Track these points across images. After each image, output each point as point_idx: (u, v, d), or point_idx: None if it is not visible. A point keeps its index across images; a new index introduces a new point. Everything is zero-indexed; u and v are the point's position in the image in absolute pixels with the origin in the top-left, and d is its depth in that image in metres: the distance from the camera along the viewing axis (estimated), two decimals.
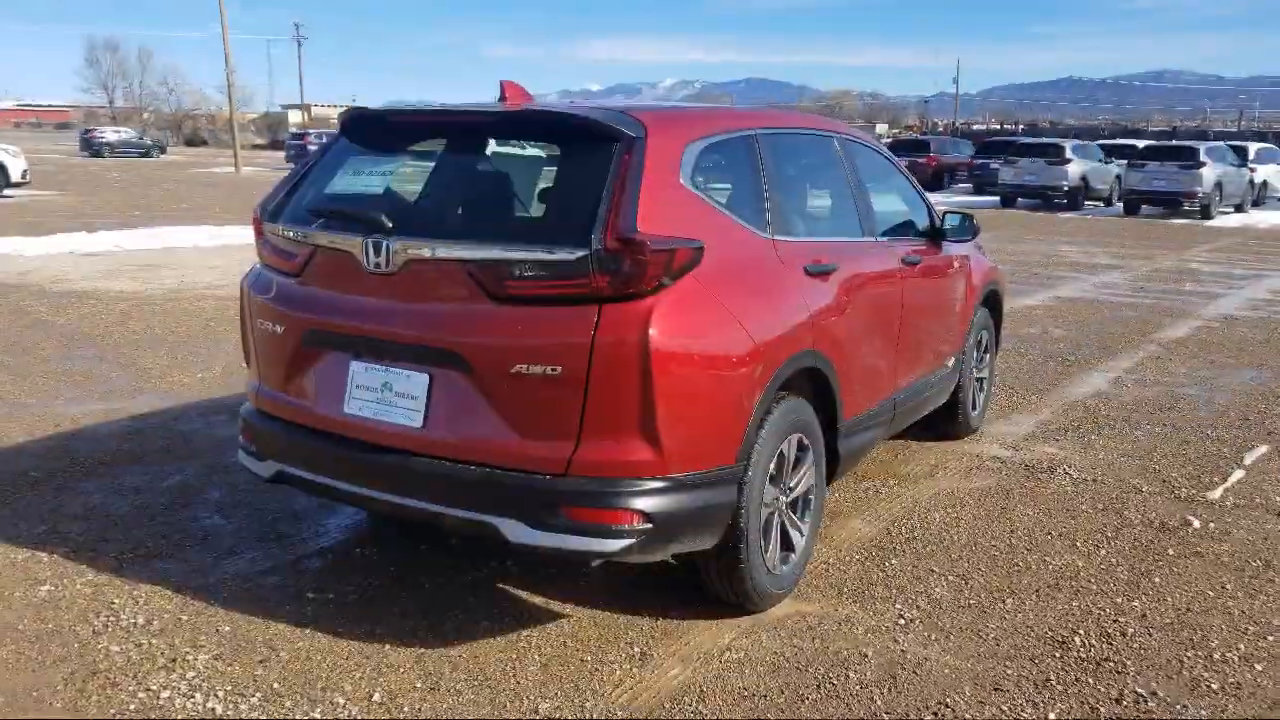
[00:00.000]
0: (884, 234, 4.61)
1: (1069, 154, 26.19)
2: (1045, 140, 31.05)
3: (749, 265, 3.48)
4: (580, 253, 2.96)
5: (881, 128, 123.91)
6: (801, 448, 3.67)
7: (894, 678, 3.28)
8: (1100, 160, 27.61)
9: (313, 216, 3.49)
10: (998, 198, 27.60)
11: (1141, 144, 30.42)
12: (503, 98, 3.77)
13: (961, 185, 34.74)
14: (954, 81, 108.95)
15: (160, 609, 3.60)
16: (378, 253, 3.21)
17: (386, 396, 3.28)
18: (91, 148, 55.24)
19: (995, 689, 3.21)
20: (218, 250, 14.11)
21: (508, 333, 3.03)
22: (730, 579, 3.50)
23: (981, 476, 5.29)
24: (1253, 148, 29.25)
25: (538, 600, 3.74)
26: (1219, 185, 24.53)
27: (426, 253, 3.15)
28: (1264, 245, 18.68)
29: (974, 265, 5.64)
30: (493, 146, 3.67)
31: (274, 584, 3.83)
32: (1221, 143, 28.04)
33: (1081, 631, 3.61)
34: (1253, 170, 27.34)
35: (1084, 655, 3.45)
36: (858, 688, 3.22)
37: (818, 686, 3.22)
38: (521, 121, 3.47)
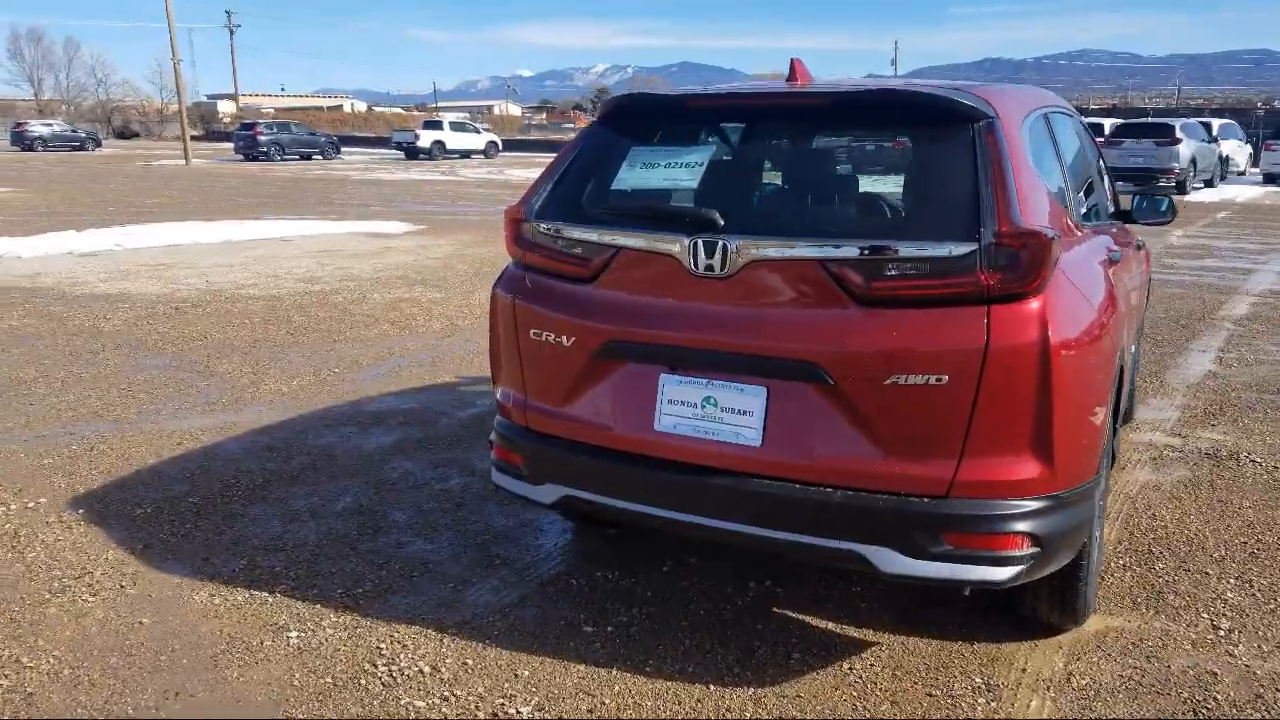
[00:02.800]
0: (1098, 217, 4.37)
1: None
2: None
3: (1082, 257, 3.20)
4: (967, 247, 2.66)
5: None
6: None
7: (1259, 696, 3.04)
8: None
9: (610, 215, 3.14)
10: None
11: (1107, 123, 30.68)
12: (791, 77, 3.43)
13: None
14: (891, 64, 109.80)
15: (436, 653, 3.24)
16: (710, 254, 2.87)
17: (710, 413, 2.95)
18: (23, 142, 53.26)
19: None
20: (222, 248, 13.50)
21: (881, 340, 2.72)
22: (1064, 598, 3.24)
23: (1171, 468, 5.09)
24: (1215, 124, 29.71)
25: (829, 625, 3.47)
26: (1193, 161, 24.88)
27: (773, 252, 2.82)
28: (1254, 219, 18.88)
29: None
30: (800, 130, 3.32)
31: (536, 617, 3.49)
32: (1194, 119, 28.41)
33: None
34: (1218, 146, 27.78)
35: None
36: (1232, 711, 2.97)
37: (1193, 712, 2.96)
38: (861, 103, 3.13)
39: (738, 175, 3.32)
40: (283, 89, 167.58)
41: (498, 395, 3.52)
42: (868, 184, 3.29)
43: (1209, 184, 26.48)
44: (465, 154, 46.79)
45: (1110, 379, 3.06)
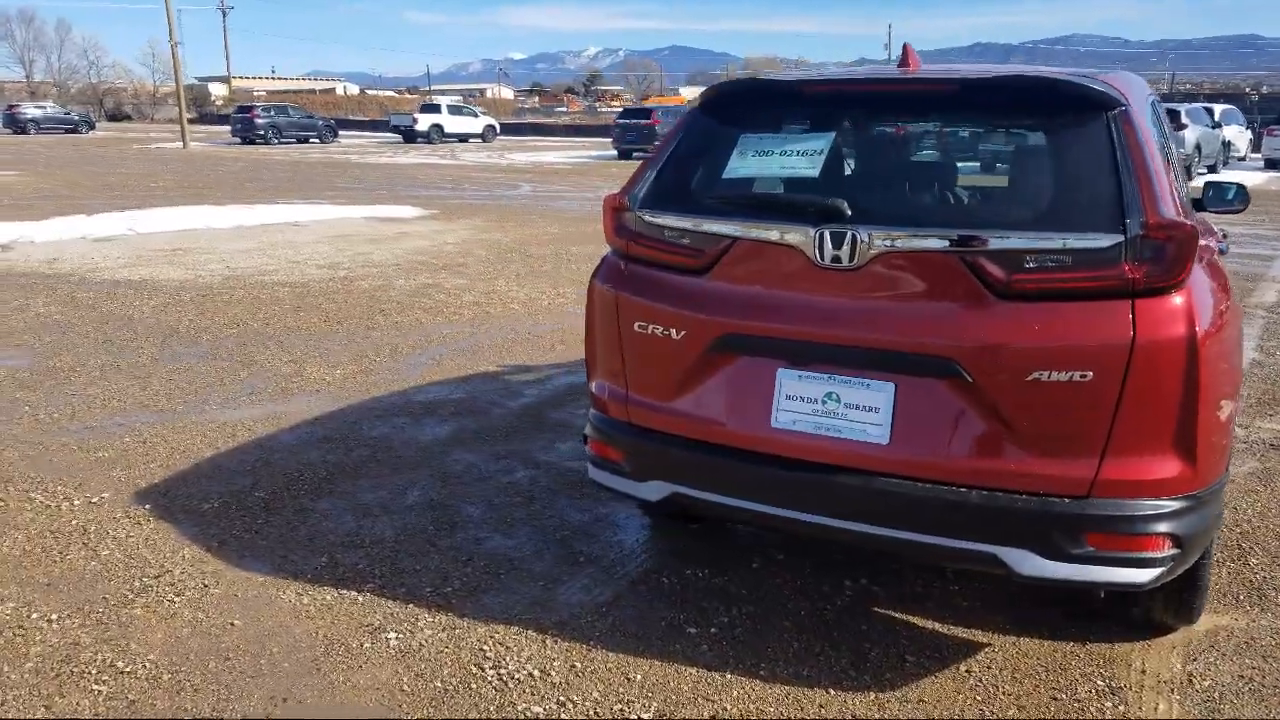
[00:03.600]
0: None
1: None
2: None
3: (1205, 249, 3.11)
4: (1111, 239, 2.57)
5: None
6: None
7: None
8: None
9: (725, 204, 3.04)
10: None
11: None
12: (904, 63, 3.33)
13: None
14: (885, 48, 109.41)
15: (542, 655, 3.16)
16: (838, 245, 2.78)
17: (832, 409, 2.86)
18: (16, 124, 52.78)
19: None
20: (236, 233, 13.35)
21: (1023, 335, 2.63)
22: (1181, 598, 3.17)
23: (1239, 460, 5.04)
24: (1217, 109, 29.66)
25: (935, 626, 3.40)
26: (1198, 146, 24.81)
27: (908, 244, 2.72)
28: (1263, 204, 18.82)
29: None
30: (925, 117, 3.22)
31: (635, 617, 3.40)
32: (1199, 105, 28.34)
33: None
34: (1221, 131, 27.73)
35: None
36: None
37: None
38: (990, 89, 3.02)
39: (860, 163, 3.22)
40: (273, 71, 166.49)
41: (592, 388, 3.42)
42: (997, 172, 3.19)
43: (1212, 169, 26.44)
44: (463, 138, 46.48)
45: (1240, 373, 2.98)
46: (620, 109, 48.50)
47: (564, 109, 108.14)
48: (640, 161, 3.39)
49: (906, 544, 2.83)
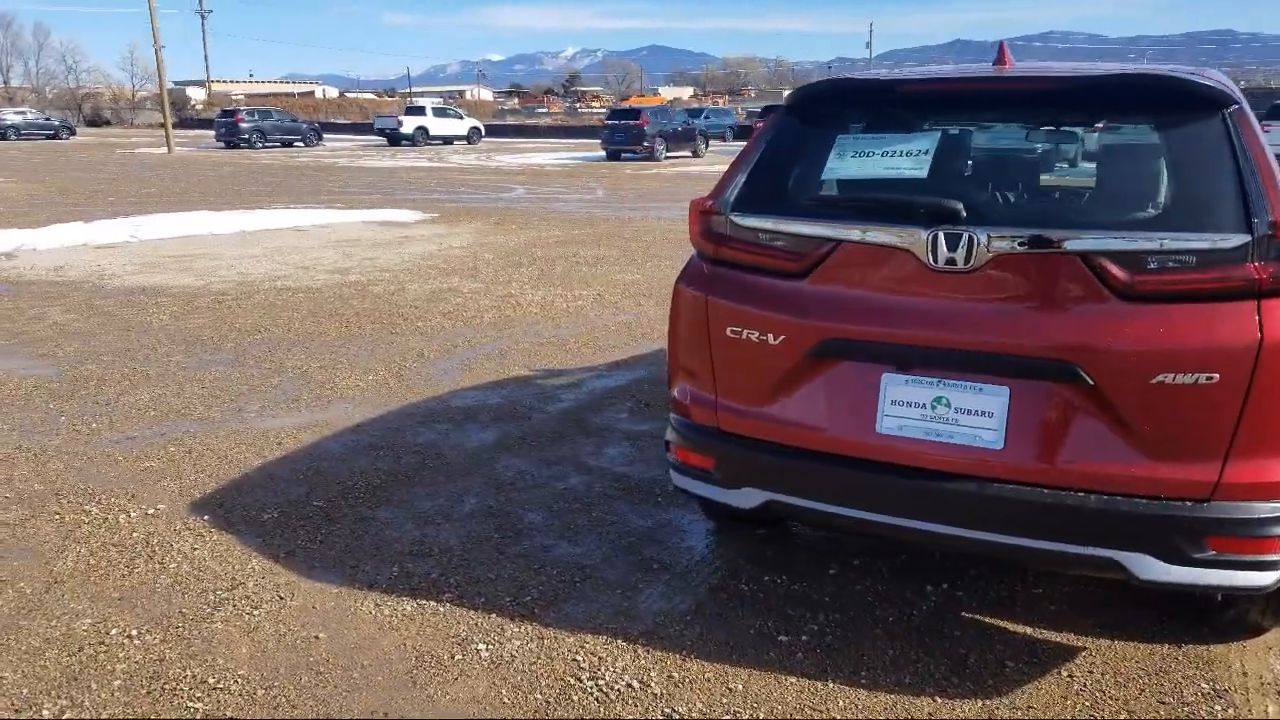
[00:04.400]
0: None
1: None
2: None
3: None
4: (1238, 239, 2.55)
5: (787, 93, 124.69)
6: None
7: None
8: None
9: (826, 207, 3.00)
10: None
11: None
12: (999, 61, 3.30)
13: None
14: (867, 46, 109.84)
15: (637, 665, 3.11)
16: (953, 247, 2.74)
17: (942, 414, 2.83)
18: None
19: None
20: (239, 239, 13.24)
21: (1147, 337, 2.60)
22: (1278, 599, 3.14)
23: None
24: None
25: (1026, 630, 3.37)
26: None
27: (1027, 246, 2.69)
28: None
29: None
30: (1032, 116, 3.19)
31: (723, 625, 3.38)
32: None
33: None
34: None
35: None
36: None
37: None
38: (1100, 87, 2.99)
39: (968, 164, 3.19)
40: (251, 75, 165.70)
41: (674, 393, 3.38)
42: (1111, 172, 3.16)
43: None
44: (448, 140, 46.32)
45: None
46: (607, 110, 48.42)
47: (545, 110, 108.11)
48: (723, 169, 3.33)
49: (1022, 550, 2.80)
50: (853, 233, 2.91)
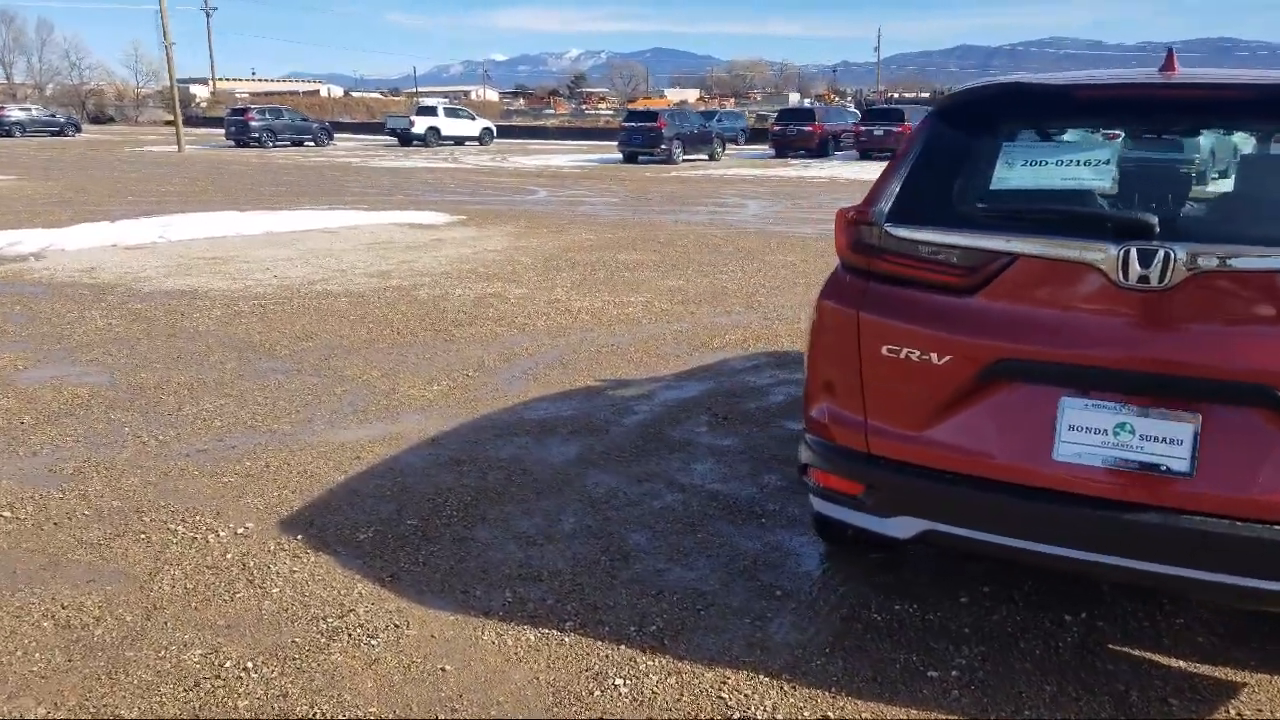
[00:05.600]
0: None
1: None
2: None
3: None
4: None
5: (794, 96, 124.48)
6: None
7: None
8: None
9: (999, 219, 2.83)
10: None
11: None
12: (1167, 68, 3.13)
13: None
14: (874, 50, 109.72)
15: (788, 703, 2.96)
16: (1146, 264, 2.57)
17: (1125, 441, 2.66)
18: (1, 127, 52.10)
19: None
20: (268, 240, 13.07)
21: None
22: None
23: None
24: None
25: (1181, 664, 3.20)
26: None
27: (1238, 263, 2.51)
28: None
29: None
30: (1220, 125, 3.02)
31: (865, 659, 3.22)
32: None
33: None
34: None
35: None
36: None
37: None
38: None
39: (1154, 175, 3.01)
40: (253, 73, 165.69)
41: (812, 413, 3.21)
42: None
43: None
44: (459, 140, 46.15)
45: None
46: (614, 111, 48.22)
47: (551, 111, 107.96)
48: (879, 175, 3.16)
49: (1214, 586, 2.63)
50: (1033, 247, 2.74)
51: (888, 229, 2.98)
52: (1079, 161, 2.80)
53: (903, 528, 2.99)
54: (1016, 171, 2.89)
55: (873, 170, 28.45)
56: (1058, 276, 2.72)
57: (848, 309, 3.05)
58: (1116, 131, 3.15)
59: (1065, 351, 2.71)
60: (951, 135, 3.06)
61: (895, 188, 3.02)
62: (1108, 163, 2.78)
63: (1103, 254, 2.63)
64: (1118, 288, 2.63)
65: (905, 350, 2.91)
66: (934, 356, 2.86)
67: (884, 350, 2.96)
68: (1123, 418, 2.67)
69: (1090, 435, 2.71)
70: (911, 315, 2.92)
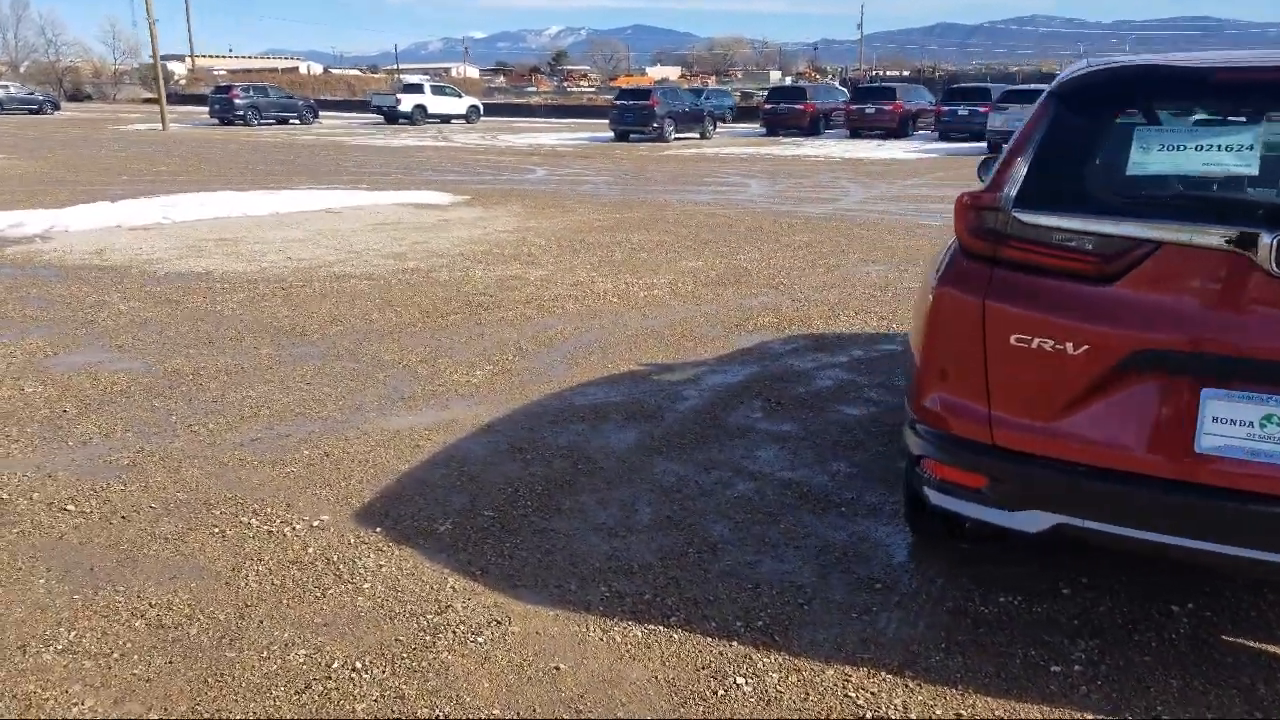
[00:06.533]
0: None
1: None
2: (1035, 87, 31.03)
3: None
4: None
5: (775, 74, 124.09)
6: None
7: None
8: None
9: (1139, 205, 2.75)
10: (984, 144, 27.44)
11: None
12: None
13: (921, 133, 34.67)
14: (858, 27, 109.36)
15: (916, 701, 2.92)
16: None
17: (1273, 432, 2.59)
18: None
19: None
20: (275, 221, 12.90)
21: None
22: None
23: None
24: None
25: None
26: None
27: None
28: None
29: None
30: None
31: (984, 654, 3.15)
32: None
33: None
34: None
35: None
36: None
37: None
38: None
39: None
40: (230, 50, 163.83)
41: (925, 403, 3.13)
42: None
43: None
44: (445, 118, 45.74)
45: None
46: (596, 89, 47.84)
47: (534, 89, 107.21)
48: (997, 158, 3.07)
49: None
50: (1178, 234, 2.66)
51: (1016, 214, 2.89)
52: (1220, 146, 2.72)
53: (1031, 522, 2.91)
54: (1154, 156, 2.81)
55: (866, 148, 28.40)
56: (1202, 264, 2.64)
57: (971, 297, 2.97)
58: (1255, 114, 3.07)
59: (1211, 342, 2.64)
60: (1079, 117, 2.97)
61: (1021, 172, 2.93)
62: (1250, 147, 2.70)
63: (1255, 242, 2.55)
64: (1270, 276, 2.55)
65: (1037, 340, 2.84)
66: (1069, 347, 2.79)
67: (1013, 340, 2.88)
68: (1271, 409, 2.60)
69: (1235, 427, 2.64)
70: (1044, 304, 2.84)
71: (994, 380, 2.95)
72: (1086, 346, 2.77)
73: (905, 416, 3.38)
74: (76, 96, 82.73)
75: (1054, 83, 3.12)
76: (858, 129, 35.01)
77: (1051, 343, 2.82)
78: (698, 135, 34.66)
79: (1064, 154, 2.93)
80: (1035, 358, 2.86)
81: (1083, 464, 2.82)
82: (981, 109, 29.16)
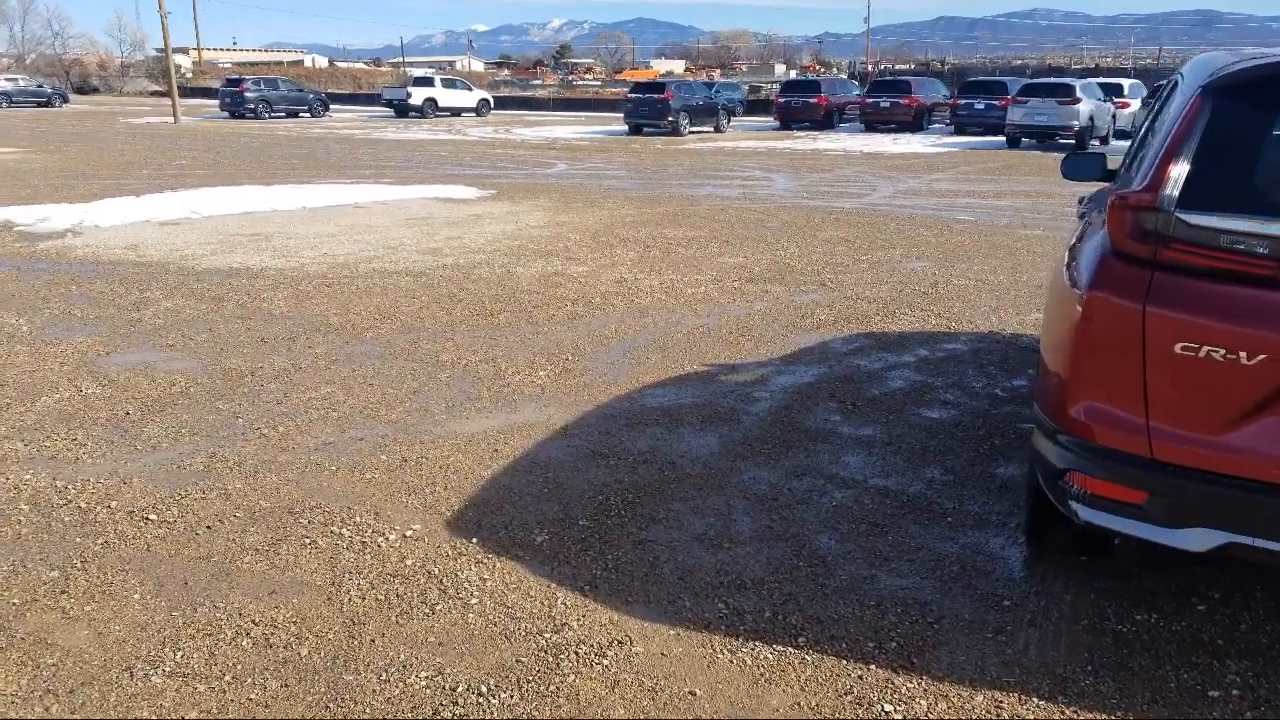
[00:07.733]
0: None
1: (1079, 94, 25.95)
2: (1055, 81, 30.83)
3: None
4: None
5: (780, 68, 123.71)
6: None
7: None
8: (1100, 100, 27.51)
9: None
10: (1003, 138, 27.21)
11: (1126, 83, 30.77)
12: None
13: (936, 126, 34.46)
14: (864, 20, 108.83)
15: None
16: None
17: None
18: None
19: None
20: (304, 216, 12.75)
21: None
22: None
23: None
24: (1125, 84, 30.27)
25: None
26: (1091, 119, 25.28)
27: None
28: None
29: None
30: None
31: (1134, 678, 3.02)
32: (1092, 80, 29.13)
33: None
34: (1126, 105, 28.58)
35: None
36: None
37: None
38: None
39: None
40: (234, 42, 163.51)
41: (1072, 413, 2.97)
42: None
43: (1104, 140, 26.67)
44: (456, 112, 45.50)
45: None
46: (601, 82, 47.62)
47: (539, 82, 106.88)
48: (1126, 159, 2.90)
49: None
50: None
51: (1179, 216, 2.73)
52: None
53: (1198, 540, 2.76)
54: None
55: (883, 142, 28.18)
56: None
57: (1129, 302, 2.81)
58: None
59: None
60: (1241, 115, 2.81)
61: (1181, 171, 2.77)
62: None
63: None
64: None
65: (1206, 348, 2.68)
66: (1242, 355, 2.63)
67: (1178, 349, 2.72)
68: None
69: None
70: (1215, 310, 2.68)
71: (1153, 390, 2.80)
72: (1264, 356, 2.61)
73: (1040, 425, 3.22)
74: (83, 89, 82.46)
75: (1203, 79, 2.96)
76: (873, 123, 34.77)
77: (1223, 351, 2.66)
78: (712, 129, 34.44)
79: (1228, 153, 2.78)
80: (1203, 367, 2.70)
81: (1258, 480, 2.66)
82: (999, 103, 28.91)
